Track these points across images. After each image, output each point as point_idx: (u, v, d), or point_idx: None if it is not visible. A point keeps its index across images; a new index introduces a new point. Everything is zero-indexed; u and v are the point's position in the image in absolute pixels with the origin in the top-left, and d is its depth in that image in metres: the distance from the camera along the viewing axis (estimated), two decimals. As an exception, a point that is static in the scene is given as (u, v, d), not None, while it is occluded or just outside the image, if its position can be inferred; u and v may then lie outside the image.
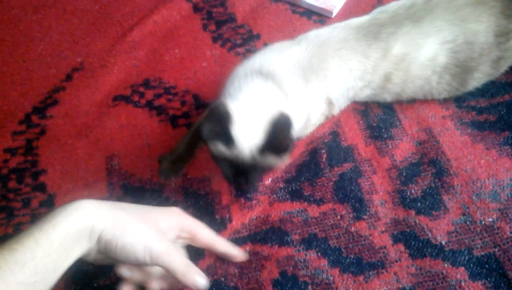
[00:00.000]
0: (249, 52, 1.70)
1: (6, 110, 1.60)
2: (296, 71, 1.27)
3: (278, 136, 1.12)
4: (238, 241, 1.27)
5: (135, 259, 0.90)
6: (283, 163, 1.28)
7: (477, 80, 1.34)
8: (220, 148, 1.16)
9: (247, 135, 1.15)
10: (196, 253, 1.23)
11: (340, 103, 1.41)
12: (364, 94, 1.41)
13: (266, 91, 1.22)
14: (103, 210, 0.93)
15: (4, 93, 1.65)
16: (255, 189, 1.34)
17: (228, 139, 1.14)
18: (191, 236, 1.09)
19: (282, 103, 1.21)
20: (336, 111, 1.43)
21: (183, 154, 1.41)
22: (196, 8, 1.88)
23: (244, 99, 1.21)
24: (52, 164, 1.46)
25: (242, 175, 1.21)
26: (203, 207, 1.34)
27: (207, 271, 1.22)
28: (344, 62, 1.30)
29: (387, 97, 1.43)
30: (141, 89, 1.63)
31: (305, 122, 1.33)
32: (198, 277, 0.94)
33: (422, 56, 1.30)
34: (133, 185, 1.40)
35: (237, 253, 1.19)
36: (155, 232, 0.95)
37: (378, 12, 1.40)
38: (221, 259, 1.23)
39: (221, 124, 1.13)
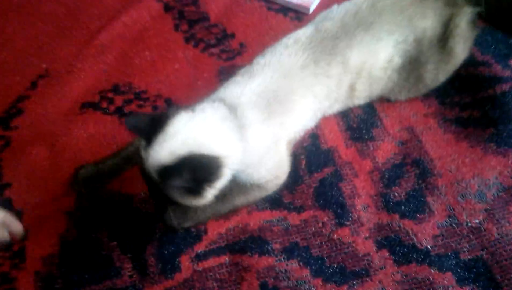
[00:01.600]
0: (224, 52, 1.64)
1: (-33, 122, 1.52)
2: (260, 102, 1.21)
3: (178, 169, 1.04)
4: (215, 252, 1.21)
5: None
6: (188, 203, 1.14)
7: (431, 71, 1.32)
8: (142, 147, 1.11)
9: (162, 149, 1.07)
10: (172, 267, 1.19)
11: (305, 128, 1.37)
12: (333, 110, 1.38)
13: (217, 122, 1.15)
14: None
15: (-35, 104, 1.56)
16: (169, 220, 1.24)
17: (148, 142, 1.09)
18: None
19: (231, 143, 1.14)
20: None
21: (104, 169, 1.34)
22: (167, 8, 1.80)
23: (194, 118, 1.13)
24: (17, 177, 1.39)
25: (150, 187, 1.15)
26: (178, 218, 1.27)
27: (184, 284, 1.17)
28: (309, 91, 1.26)
29: (357, 103, 1.40)
30: (110, 95, 1.56)
31: (259, 159, 1.23)
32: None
33: (380, 61, 1.29)
34: (102, 197, 1.34)
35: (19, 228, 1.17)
36: None
37: (322, 19, 1.36)
38: (199, 272, 1.18)
39: (152, 123, 1.10)
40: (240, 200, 1.25)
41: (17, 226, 1.15)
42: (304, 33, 1.30)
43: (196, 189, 1.08)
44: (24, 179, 1.38)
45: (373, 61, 1.28)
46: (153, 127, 1.09)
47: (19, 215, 1.30)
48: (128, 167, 1.36)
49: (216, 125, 1.14)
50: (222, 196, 1.21)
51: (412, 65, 1.30)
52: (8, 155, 1.44)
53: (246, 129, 1.17)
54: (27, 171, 1.39)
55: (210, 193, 1.11)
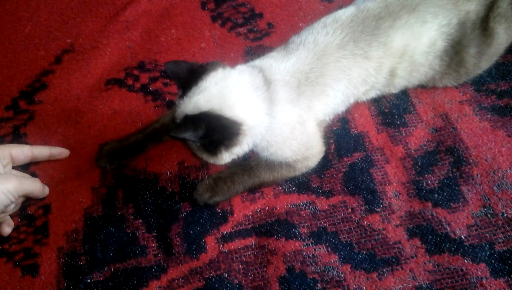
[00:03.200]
0: (251, 32, 1.60)
1: (-9, 95, 1.50)
2: (292, 83, 1.19)
3: (194, 122, 1.05)
4: (241, 233, 1.19)
5: (3, 206, 1.09)
6: (205, 158, 1.16)
7: (473, 55, 1.27)
8: (178, 95, 1.15)
9: (190, 102, 1.09)
10: (197, 247, 1.17)
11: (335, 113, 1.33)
12: (368, 96, 1.34)
13: (249, 89, 1.14)
14: None
15: (-11, 78, 1.55)
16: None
17: (183, 91, 1.12)
18: (10, 160, 1.22)
19: (258, 113, 1.13)
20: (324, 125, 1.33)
21: (128, 145, 1.32)
22: (194, -15, 1.76)
23: (229, 78, 1.13)
24: (42, 152, 1.37)
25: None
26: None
27: (209, 265, 1.15)
28: (344, 74, 1.22)
29: (394, 91, 1.35)
30: (136, 72, 1.53)
31: (283, 138, 1.20)
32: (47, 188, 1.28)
33: (423, 44, 1.24)
34: (127, 175, 1.31)
35: (61, 151, 1.32)
36: None
37: (363, 0, 1.31)
38: (225, 253, 1.16)
39: (189, 74, 1.13)
40: (267, 176, 1.23)
41: (35, 186, 1.19)
42: (344, 12, 1.26)
43: (210, 147, 1.10)
44: (49, 154, 1.36)
45: (416, 44, 1.23)
46: (189, 77, 1.12)
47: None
48: (153, 144, 1.34)
49: (247, 92, 1.13)
50: (249, 168, 1.22)
51: (454, 49, 1.25)
52: (33, 129, 1.42)
53: (275, 105, 1.15)
54: (52, 146, 1.36)
55: (226, 156, 1.13)
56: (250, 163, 1.23)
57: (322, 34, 1.22)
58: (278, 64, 1.20)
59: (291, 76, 1.18)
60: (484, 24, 1.25)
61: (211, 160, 1.14)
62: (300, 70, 1.19)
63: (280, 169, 1.23)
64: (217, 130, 1.06)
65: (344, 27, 1.22)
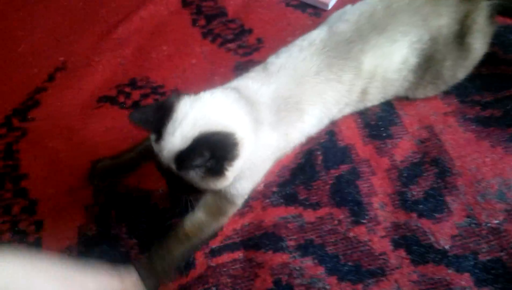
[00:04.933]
0: (241, 48, 1.63)
1: (-15, 113, 1.53)
2: (273, 107, 1.18)
3: (195, 149, 1.00)
4: (230, 247, 1.20)
5: None
6: (211, 186, 1.08)
7: (449, 68, 1.29)
8: (152, 141, 1.07)
9: (174, 137, 1.02)
10: (187, 264, 1.18)
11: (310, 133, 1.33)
12: (342, 113, 1.36)
13: (230, 102, 1.11)
14: None
15: (-17, 95, 1.58)
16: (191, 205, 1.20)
17: (158, 133, 1.04)
18: None
19: (245, 125, 1.10)
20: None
21: (121, 163, 1.34)
22: (185, 3, 1.80)
23: (201, 99, 1.09)
24: (34, 168, 1.40)
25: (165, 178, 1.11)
26: (193, 214, 1.26)
27: (198, 280, 1.16)
28: (320, 98, 1.24)
29: (370, 105, 1.37)
30: (127, 89, 1.56)
31: (253, 167, 1.18)
32: None
33: (395, 62, 1.26)
34: (119, 193, 1.33)
35: None
36: None
37: (337, 20, 1.32)
38: (213, 267, 1.17)
39: (158, 113, 1.04)
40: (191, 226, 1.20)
41: None
42: (318, 34, 1.28)
43: (216, 168, 1.03)
44: (41, 170, 1.39)
45: (388, 64, 1.26)
46: (159, 117, 1.04)
47: (33, 204, 1.32)
48: (145, 161, 1.35)
49: (229, 105, 1.10)
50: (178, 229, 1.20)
51: (428, 63, 1.28)
52: (25, 146, 1.45)
53: (259, 124, 1.13)
54: (44, 163, 1.40)
55: (231, 173, 1.05)
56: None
57: (300, 60, 1.23)
58: (259, 86, 1.19)
59: (272, 101, 1.18)
60: (458, 38, 1.27)
61: (219, 183, 1.07)
62: (281, 96, 1.19)
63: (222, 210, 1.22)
64: (217, 146, 1.01)
65: (320, 52, 1.24)
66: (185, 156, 1.00)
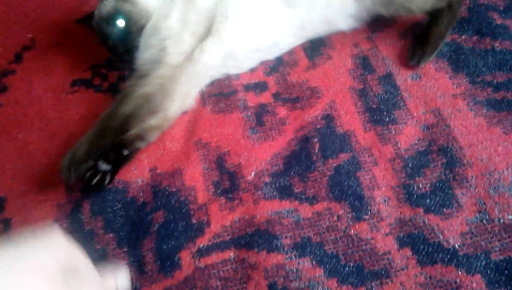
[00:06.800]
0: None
1: None
2: None
3: None
4: (219, 246, 1.11)
5: None
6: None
7: None
8: None
9: None
10: (171, 264, 1.09)
11: None
12: None
13: None
14: None
15: None
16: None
17: None
18: None
19: None
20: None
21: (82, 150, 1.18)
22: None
23: None
24: (0, 161, 1.28)
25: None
26: (176, 207, 1.17)
27: (185, 283, 1.07)
28: None
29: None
30: (104, 71, 1.44)
31: None
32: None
33: None
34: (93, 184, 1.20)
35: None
36: None
37: None
38: (201, 269, 1.08)
39: None
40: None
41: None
42: None
43: None
44: (9, 164, 1.27)
45: None
46: None
47: (1, 202, 1.21)
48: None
49: None
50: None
51: None
52: (-8, 136, 1.32)
53: None
54: (12, 156, 1.29)
55: None
56: None
57: None
58: None
59: None
60: None
61: None
62: None
63: None
64: None
65: None
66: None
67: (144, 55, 1.30)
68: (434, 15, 1.34)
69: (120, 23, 1.26)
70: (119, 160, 1.20)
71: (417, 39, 1.36)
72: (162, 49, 1.28)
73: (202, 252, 1.10)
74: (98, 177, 1.15)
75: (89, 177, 1.15)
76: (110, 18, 1.26)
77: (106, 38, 1.28)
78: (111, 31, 1.26)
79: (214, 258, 1.10)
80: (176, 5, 1.31)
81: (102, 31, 1.28)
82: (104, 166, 1.16)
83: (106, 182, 1.17)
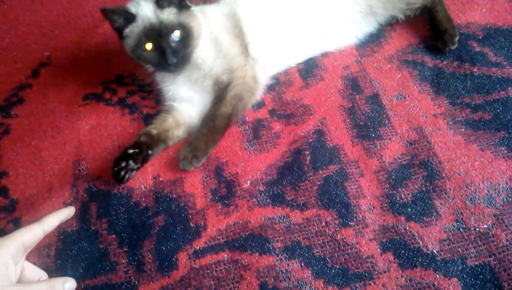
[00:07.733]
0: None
1: (-33, 109, 1.49)
2: None
3: None
4: (214, 248, 1.18)
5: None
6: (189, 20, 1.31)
7: None
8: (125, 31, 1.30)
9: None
10: (169, 264, 1.16)
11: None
12: None
13: None
14: None
15: (-35, 90, 1.54)
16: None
17: (127, 16, 1.29)
18: (23, 252, 1.05)
19: None
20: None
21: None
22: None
23: None
24: (15, 166, 1.36)
25: (161, 46, 1.27)
26: (176, 212, 1.24)
27: (180, 282, 1.13)
28: None
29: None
30: (114, 86, 1.53)
31: None
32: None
33: None
34: (100, 189, 1.30)
35: (68, 212, 1.19)
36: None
37: None
38: (196, 269, 1.14)
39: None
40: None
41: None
42: None
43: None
44: (22, 168, 1.35)
45: None
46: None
47: (13, 203, 1.29)
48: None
49: None
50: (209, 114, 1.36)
51: None
52: (7, 143, 1.41)
53: None
54: (25, 161, 1.37)
55: None
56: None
57: None
58: None
59: None
60: None
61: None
62: None
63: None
64: None
65: None
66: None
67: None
68: (428, 10, 1.53)
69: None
70: (144, 160, 1.31)
71: (433, 37, 1.51)
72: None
73: (198, 254, 1.17)
74: (124, 174, 1.26)
75: (116, 171, 1.25)
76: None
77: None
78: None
79: (209, 259, 1.17)
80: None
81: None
82: (132, 164, 1.27)
83: (127, 177, 1.27)
